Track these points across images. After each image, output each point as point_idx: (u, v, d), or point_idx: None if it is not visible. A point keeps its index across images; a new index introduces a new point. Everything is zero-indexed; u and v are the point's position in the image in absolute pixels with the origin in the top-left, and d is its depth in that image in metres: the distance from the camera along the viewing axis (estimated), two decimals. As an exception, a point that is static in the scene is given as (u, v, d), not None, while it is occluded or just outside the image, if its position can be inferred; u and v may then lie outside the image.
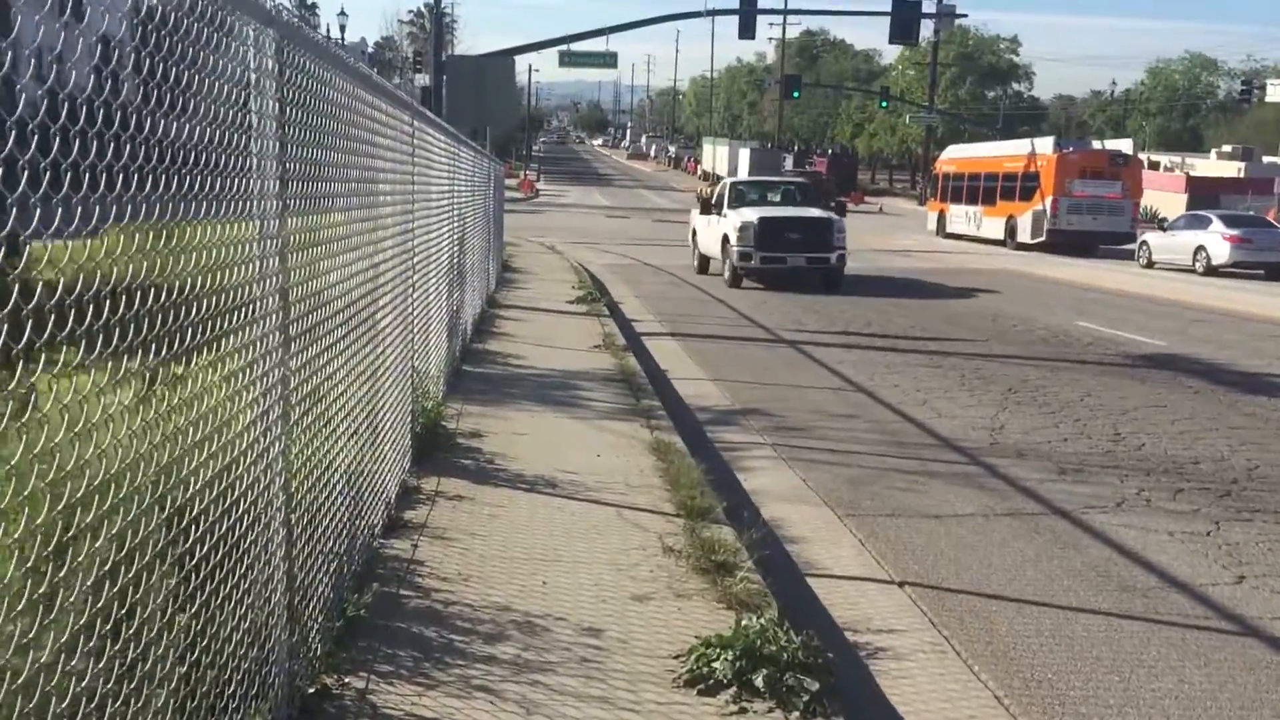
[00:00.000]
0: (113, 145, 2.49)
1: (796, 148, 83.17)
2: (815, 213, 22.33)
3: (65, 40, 2.36)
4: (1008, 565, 6.25)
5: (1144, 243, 32.05)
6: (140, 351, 2.67)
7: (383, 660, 4.20)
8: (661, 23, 40.30)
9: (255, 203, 3.24)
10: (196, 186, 2.87)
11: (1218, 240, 29.16)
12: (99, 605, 2.62)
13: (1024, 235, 35.54)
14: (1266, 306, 21.15)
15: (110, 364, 2.59)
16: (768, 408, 10.51)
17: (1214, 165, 69.46)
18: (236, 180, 3.12)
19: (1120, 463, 8.68)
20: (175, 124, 2.78)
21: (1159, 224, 43.12)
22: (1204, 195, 57.33)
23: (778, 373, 12.65)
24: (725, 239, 21.83)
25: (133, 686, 2.54)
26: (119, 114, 2.65)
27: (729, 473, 8.08)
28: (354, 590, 4.65)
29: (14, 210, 2.07)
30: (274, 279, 3.31)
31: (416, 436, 7.12)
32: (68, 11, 2.83)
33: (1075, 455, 8.89)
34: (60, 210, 2.24)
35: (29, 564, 2.16)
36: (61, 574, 2.40)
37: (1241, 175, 64.31)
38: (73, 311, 2.27)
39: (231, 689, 3.11)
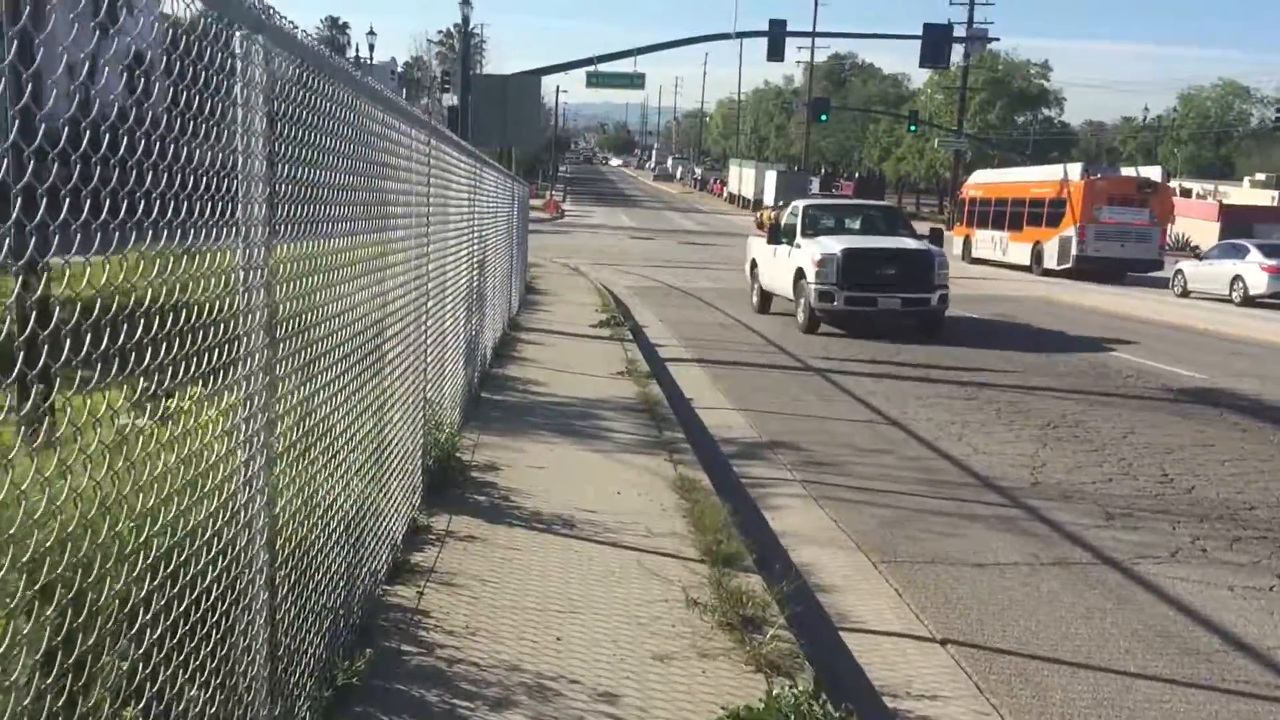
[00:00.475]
0: (79, 167, 2.16)
1: (824, 171, 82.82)
2: (910, 243, 18.82)
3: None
4: (1058, 622, 5.81)
5: (1179, 271, 31.42)
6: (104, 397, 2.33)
7: (379, 728, 3.83)
8: (689, 44, 40.20)
9: (239, 229, 2.90)
10: (169, 211, 2.53)
11: (1255, 270, 28.52)
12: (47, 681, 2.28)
13: (1050, 261, 35.31)
14: (1309, 339, 20.53)
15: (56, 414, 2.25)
16: (796, 440, 10.10)
17: (1247, 193, 68.56)
18: (217, 204, 2.78)
19: (1170, 507, 8.21)
20: (145, 141, 2.45)
21: (1192, 252, 42.45)
22: (1237, 224, 56.52)
23: (806, 403, 12.24)
24: (799, 274, 18.44)
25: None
26: (88, 133, 2.32)
27: (756, 512, 7.68)
28: (351, 646, 4.28)
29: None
30: (258, 314, 2.97)
31: (428, 471, 6.77)
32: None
33: (1122, 498, 8.43)
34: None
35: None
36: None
37: (1275, 204, 63.45)
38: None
39: (200, 777, 2.75)
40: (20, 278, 2.45)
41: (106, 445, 2.36)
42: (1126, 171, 45.33)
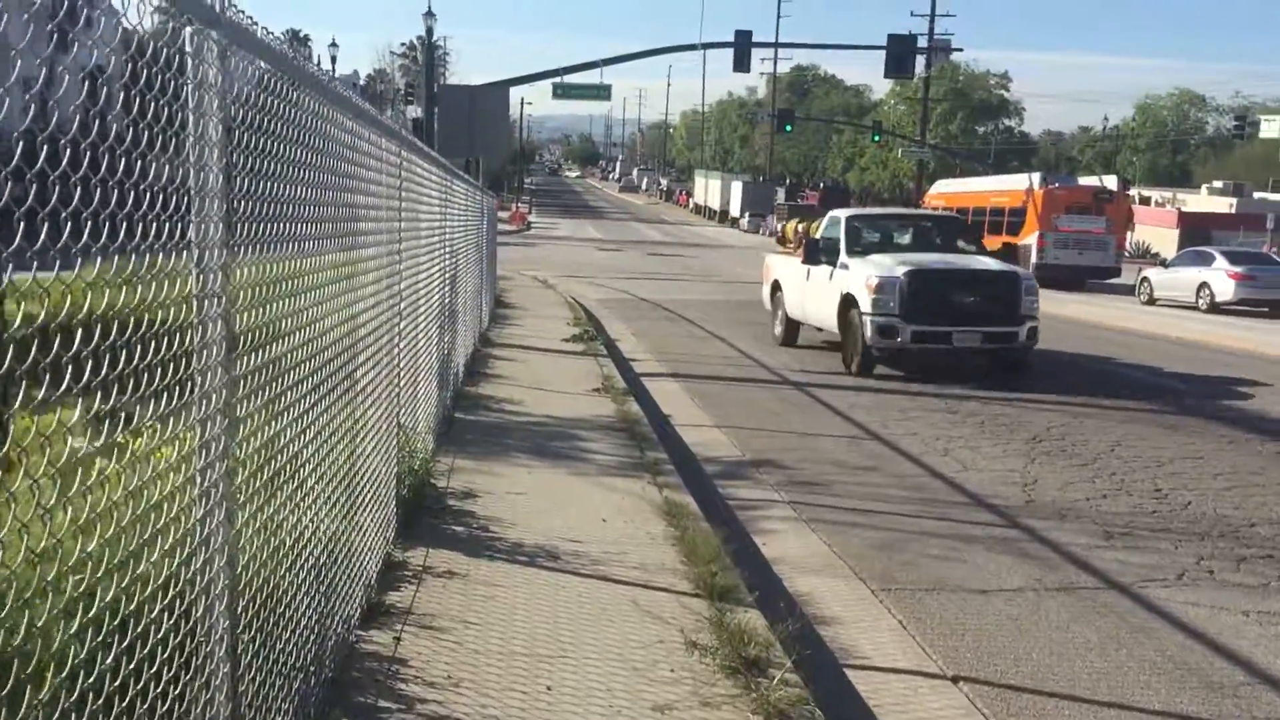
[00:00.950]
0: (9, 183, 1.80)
1: (789, 181, 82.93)
2: (989, 264, 15.33)
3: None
4: (1072, 654, 5.51)
5: (1145, 279, 31.56)
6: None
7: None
8: (655, 55, 39.97)
9: (192, 251, 2.53)
10: (103, 234, 2.17)
11: (1222, 277, 28.64)
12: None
13: None
14: (1281, 346, 20.55)
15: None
16: (780, 459, 9.79)
17: (1205, 201, 69.41)
18: (164, 224, 2.41)
19: (1170, 525, 7.97)
20: (74, 151, 2.08)
21: (1153, 259, 42.65)
22: (1196, 231, 57.20)
23: (787, 418, 11.94)
24: (848, 302, 14.94)
25: None
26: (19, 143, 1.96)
27: (746, 537, 7.35)
28: (324, 704, 3.90)
29: None
30: (216, 348, 2.60)
31: (403, 501, 6.38)
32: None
33: (1119, 516, 8.18)
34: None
35: None
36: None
37: (1233, 210, 64.24)
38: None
39: None
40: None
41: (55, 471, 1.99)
42: (1087, 180, 45.98)
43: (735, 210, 75.28)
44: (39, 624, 2.10)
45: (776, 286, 18.51)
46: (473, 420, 10.15)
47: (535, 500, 7.42)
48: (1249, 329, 23.65)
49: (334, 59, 52.78)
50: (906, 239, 17.02)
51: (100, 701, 2.22)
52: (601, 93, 40.59)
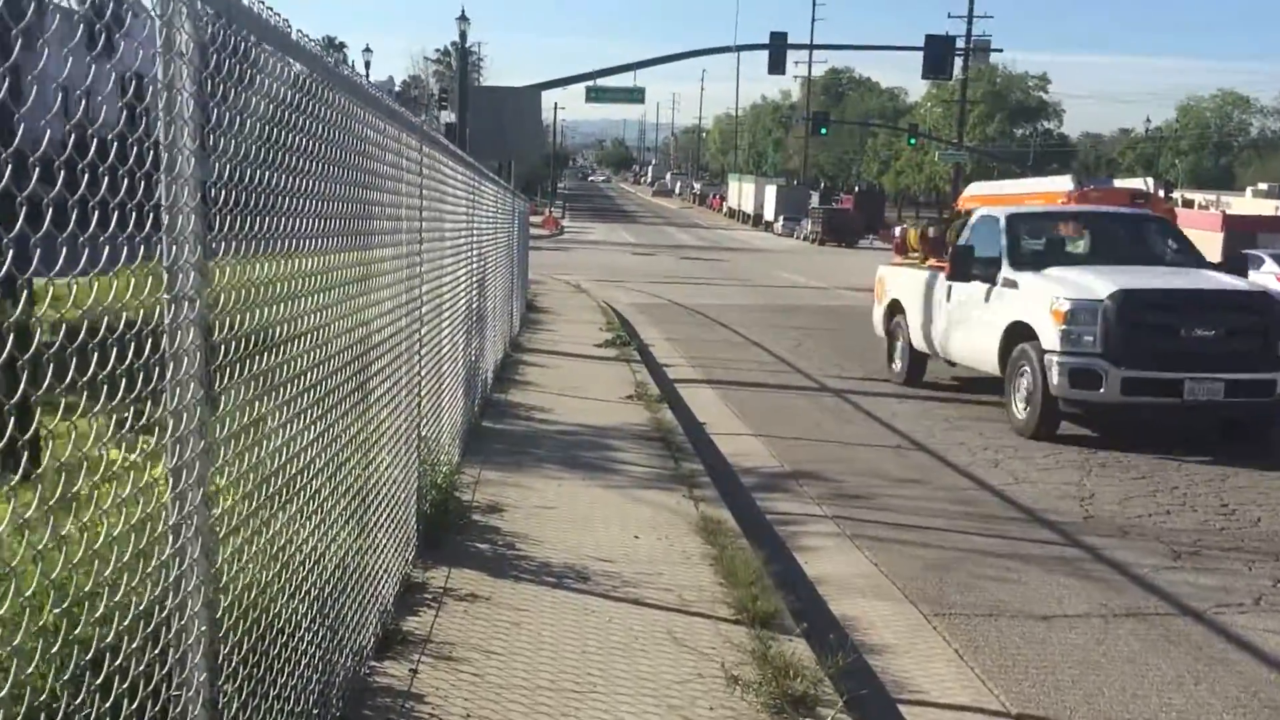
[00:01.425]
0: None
1: (823, 185, 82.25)
2: (1227, 281, 11.43)
3: None
4: (1146, 689, 5.06)
5: None
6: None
7: None
8: (690, 58, 39.63)
9: (163, 248, 2.18)
10: (69, 223, 1.82)
11: (1272, 281, 27.91)
12: None
13: None
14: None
15: None
16: (821, 470, 9.36)
17: (1250, 204, 67.96)
18: (129, 213, 2.07)
19: (1241, 544, 7.47)
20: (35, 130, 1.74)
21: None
22: (1241, 234, 55.96)
23: (827, 427, 11.50)
24: (1019, 334, 11.05)
25: None
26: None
27: (787, 555, 6.94)
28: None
29: None
30: (189, 360, 2.24)
31: (424, 517, 6.03)
32: None
33: (1186, 534, 7.69)
34: None
35: None
36: None
37: (1279, 213, 62.90)
38: None
39: None
40: None
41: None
42: (1124, 182, 45.59)
43: (769, 214, 74.71)
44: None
45: (896, 308, 14.44)
46: (501, 429, 9.80)
47: (564, 514, 7.05)
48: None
49: (368, 64, 52.80)
50: (1091, 245, 12.83)
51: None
52: (635, 95, 40.29)
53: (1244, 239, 50.29)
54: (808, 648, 4.89)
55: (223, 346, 2.41)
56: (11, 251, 1.71)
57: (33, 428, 1.87)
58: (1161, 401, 10.41)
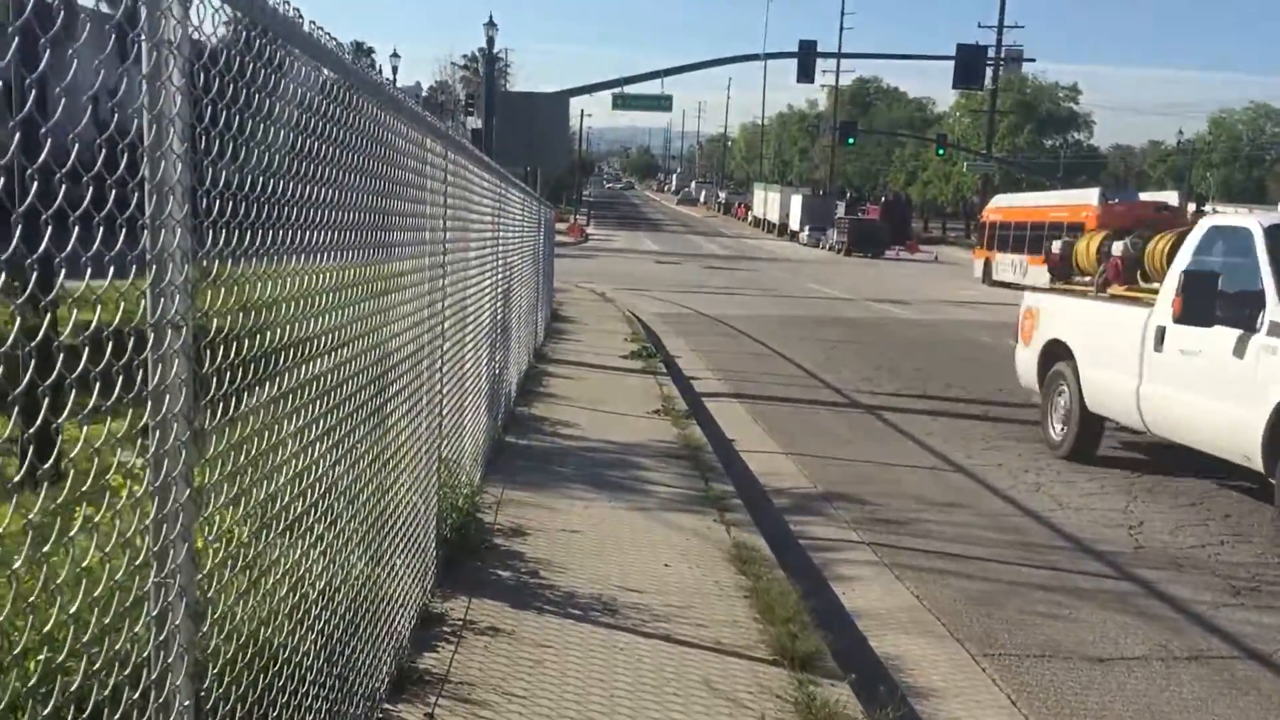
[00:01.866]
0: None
1: (849, 195, 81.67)
2: None
3: None
4: (1217, 744, 4.70)
5: None
6: None
7: None
8: (718, 65, 39.40)
9: (148, 265, 1.89)
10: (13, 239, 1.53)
11: None
12: None
13: None
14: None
15: None
16: (856, 491, 9.01)
17: (1284, 217, 67.02)
18: (107, 229, 1.77)
19: (1304, 579, 7.07)
20: None
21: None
22: (1276, 247, 55.22)
23: (859, 445, 11.14)
24: None
25: None
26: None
27: (823, 585, 6.60)
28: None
29: None
30: (175, 395, 1.95)
31: (444, 542, 5.73)
32: None
33: (1243, 567, 7.29)
34: None
35: None
36: None
37: (1315, 227, 61.91)
38: None
39: None
40: None
41: None
42: (1149, 196, 45.50)
43: (795, 224, 74.24)
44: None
45: (1059, 352, 10.89)
46: (525, 445, 9.50)
47: (590, 539, 6.74)
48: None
49: (395, 69, 52.81)
50: None
51: None
52: (662, 103, 40.07)
53: None
54: (852, 694, 4.56)
55: (215, 378, 2.12)
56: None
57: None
58: None
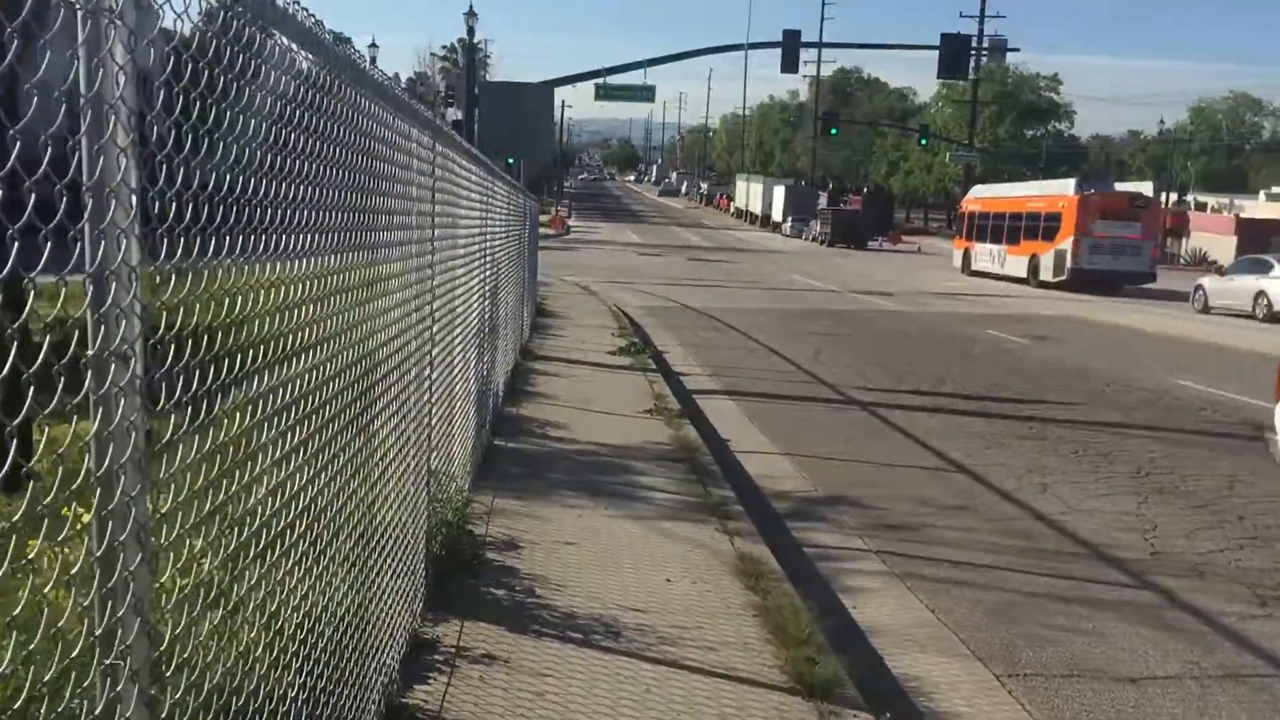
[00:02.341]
0: None
1: (831, 186, 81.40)
2: None
3: None
4: (1266, 776, 4.40)
5: (1199, 287, 30.57)
6: None
7: None
8: (701, 55, 38.98)
9: (85, 282, 1.52)
10: None
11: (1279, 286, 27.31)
12: None
13: (1046, 274, 36.44)
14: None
15: None
16: (858, 495, 8.70)
17: (1264, 207, 67.05)
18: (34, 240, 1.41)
19: (1329, 587, 6.80)
20: None
21: (1210, 267, 41.20)
22: (1255, 237, 55.20)
23: (858, 445, 10.83)
24: None
25: None
26: None
27: (832, 597, 6.28)
28: None
29: None
30: (123, 443, 1.58)
31: (434, 560, 5.37)
32: None
33: (1266, 574, 7.01)
34: None
35: None
36: None
37: (1293, 216, 61.97)
38: None
39: None
40: None
41: None
42: (1124, 186, 45.92)
43: (777, 215, 73.96)
44: None
45: None
46: (514, 449, 9.13)
47: (587, 552, 6.39)
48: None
49: (373, 59, 52.08)
50: None
51: None
52: (645, 94, 39.65)
53: (1257, 242, 49.70)
54: (878, 727, 4.24)
55: (172, 422, 1.76)
56: None
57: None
58: None
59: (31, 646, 1.98)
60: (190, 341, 2.05)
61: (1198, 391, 14.89)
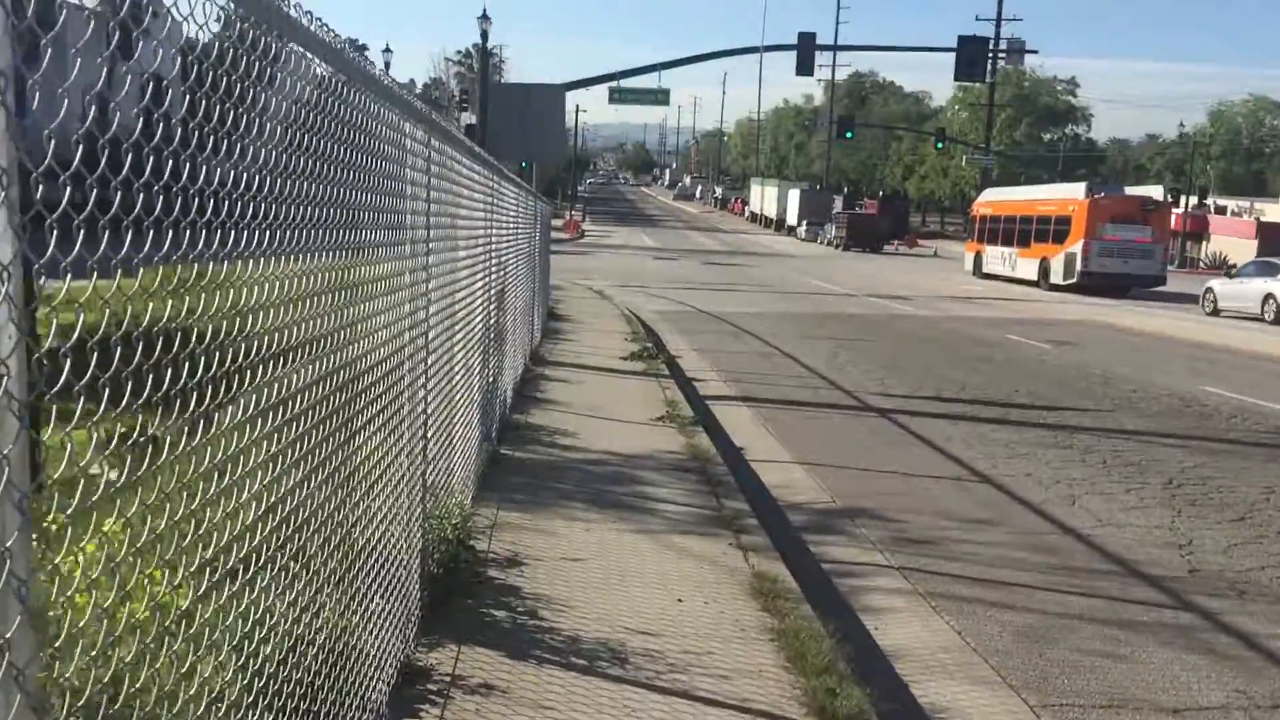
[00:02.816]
0: None
1: (846, 190, 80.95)
2: None
3: None
4: (1328, 821, 4.05)
5: (1209, 290, 30.32)
6: None
7: None
8: (715, 59, 38.71)
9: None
10: None
11: None
12: None
13: (1056, 276, 36.42)
14: None
15: None
16: (878, 507, 8.36)
17: (1286, 211, 66.27)
18: None
19: (1379, 607, 6.43)
20: None
21: (1228, 271, 40.72)
22: (1276, 241, 54.50)
23: (876, 453, 10.48)
24: None
25: None
26: None
27: (851, 617, 5.95)
28: None
29: None
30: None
31: (430, 580, 5.07)
32: None
33: (1311, 593, 6.65)
34: None
35: None
36: None
37: (1315, 221, 61.17)
38: None
39: None
40: None
41: None
42: (1135, 190, 45.73)
43: (792, 219, 73.55)
44: None
45: None
46: (521, 457, 8.82)
47: (594, 569, 6.07)
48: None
49: (388, 64, 51.94)
50: None
51: None
52: (660, 97, 39.33)
53: (1277, 246, 49.08)
54: (907, 770, 3.90)
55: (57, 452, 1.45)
56: None
57: None
58: None
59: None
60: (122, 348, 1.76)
61: (1224, 398, 14.48)
